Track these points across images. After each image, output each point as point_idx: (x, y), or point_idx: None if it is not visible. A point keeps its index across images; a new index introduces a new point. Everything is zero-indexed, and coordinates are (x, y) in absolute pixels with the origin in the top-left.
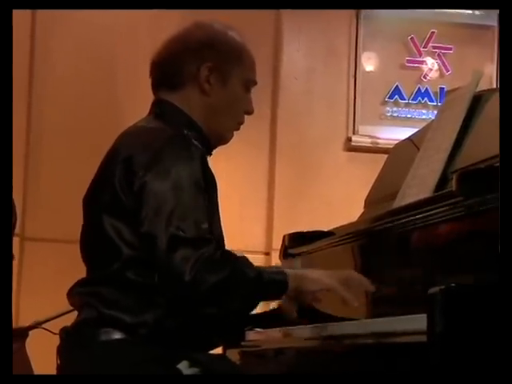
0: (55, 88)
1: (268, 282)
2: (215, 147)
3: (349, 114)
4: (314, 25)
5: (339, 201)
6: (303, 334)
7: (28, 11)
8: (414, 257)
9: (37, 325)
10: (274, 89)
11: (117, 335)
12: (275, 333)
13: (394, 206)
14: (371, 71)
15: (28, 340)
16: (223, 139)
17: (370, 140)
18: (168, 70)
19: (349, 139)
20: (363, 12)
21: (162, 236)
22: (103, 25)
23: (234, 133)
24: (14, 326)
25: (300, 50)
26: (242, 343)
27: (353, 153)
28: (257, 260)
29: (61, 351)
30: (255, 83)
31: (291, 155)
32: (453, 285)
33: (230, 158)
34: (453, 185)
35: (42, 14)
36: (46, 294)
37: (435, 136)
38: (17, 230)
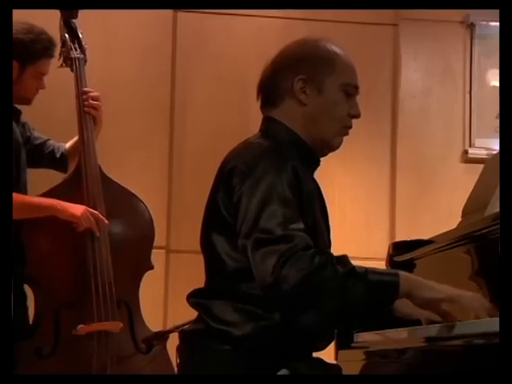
0: (195, 113)
1: (372, 282)
2: (324, 155)
3: (465, 128)
4: (430, 45)
5: (457, 211)
6: (421, 334)
7: (169, 45)
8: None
9: (175, 328)
10: (393, 108)
11: (224, 346)
12: (391, 334)
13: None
14: (486, 87)
15: (169, 342)
16: (330, 146)
17: (485, 152)
18: (268, 87)
19: (465, 152)
20: (477, 31)
21: (249, 243)
22: (235, 56)
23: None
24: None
25: (417, 70)
26: (352, 345)
27: (469, 164)
28: (380, 266)
29: (179, 352)
30: (356, 87)
31: (411, 169)
32: None
33: (354, 174)
34: None
35: (182, 46)
36: None
37: None
38: (162, 242)
